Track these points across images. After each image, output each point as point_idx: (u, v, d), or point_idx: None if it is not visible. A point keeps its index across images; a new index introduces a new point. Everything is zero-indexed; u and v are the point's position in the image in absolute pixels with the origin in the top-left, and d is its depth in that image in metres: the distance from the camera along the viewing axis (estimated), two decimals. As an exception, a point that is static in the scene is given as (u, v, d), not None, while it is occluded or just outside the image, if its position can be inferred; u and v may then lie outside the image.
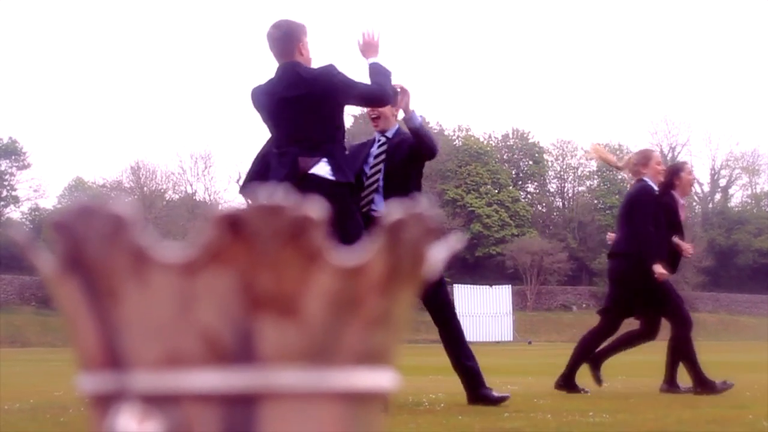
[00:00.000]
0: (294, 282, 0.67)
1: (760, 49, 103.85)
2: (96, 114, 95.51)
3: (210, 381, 0.67)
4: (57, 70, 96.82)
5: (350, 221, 5.49)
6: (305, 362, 0.68)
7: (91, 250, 0.68)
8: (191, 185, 66.91)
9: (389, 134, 6.40)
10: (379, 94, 5.85)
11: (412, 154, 6.27)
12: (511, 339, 46.90)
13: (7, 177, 62.81)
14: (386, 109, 6.30)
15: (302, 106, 5.60)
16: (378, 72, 5.91)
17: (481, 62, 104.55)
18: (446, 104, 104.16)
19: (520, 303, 56.41)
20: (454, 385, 6.14)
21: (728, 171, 76.74)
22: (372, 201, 6.21)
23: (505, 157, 74.23)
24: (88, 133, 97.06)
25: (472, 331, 46.72)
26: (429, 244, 0.73)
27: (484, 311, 47.42)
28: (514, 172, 73.61)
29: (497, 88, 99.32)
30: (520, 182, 73.93)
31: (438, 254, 0.75)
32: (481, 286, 49.78)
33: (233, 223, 0.66)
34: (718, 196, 76.64)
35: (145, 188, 62.84)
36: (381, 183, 6.22)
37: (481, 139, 71.66)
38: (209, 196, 66.29)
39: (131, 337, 0.68)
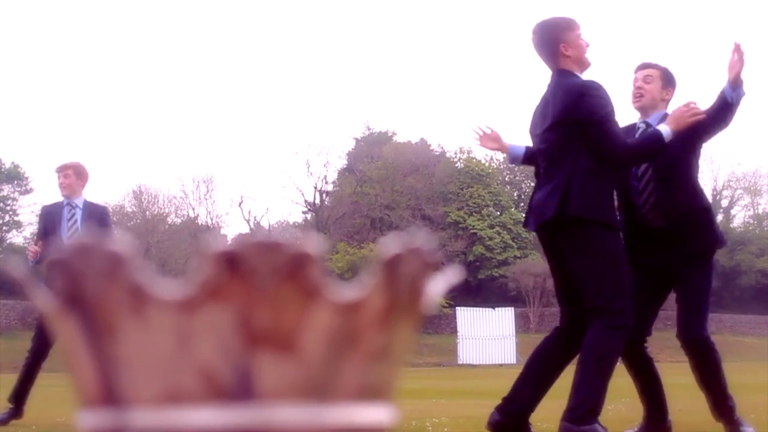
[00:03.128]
0: (292, 318, 0.67)
1: (762, 69, 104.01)
2: (98, 138, 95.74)
3: (209, 418, 0.67)
4: (59, 95, 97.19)
5: (580, 260, 4.92)
6: (304, 398, 0.68)
7: (89, 287, 0.68)
8: (193, 209, 67.04)
9: (652, 119, 5.53)
10: (624, 155, 4.89)
11: (685, 142, 5.32)
12: (515, 362, 46.77)
13: (9, 202, 62.94)
14: (652, 87, 5.51)
15: (548, 126, 4.99)
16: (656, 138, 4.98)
17: (483, 85, 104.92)
18: (448, 127, 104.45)
19: (523, 325, 56.25)
20: (457, 408, 6.13)
21: (730, 191, 76.78)
22: (652, 207, 5.42)
23: (506, 179, 74.32)
24: (89, 158, 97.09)
25: (475, 354, 46.69)
26: (427, 278, 0.73)
27: (487, 334, 47.37)
28: (516, 194, 73.66)
29: (498, 111, 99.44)
30: (522, 204, 73.86)
31: (437, 288, 0.75)
32: (484, 309, 49.73)
33: (231, 260, 0.66)
34: (720, 217, 76.59)
35: (147, 212, 62.92)
36: (653, 184, 5.40)
37: (483, 162, 71.72)
38: (211, 220, 66.37)
39: (130, 374, 0.68)
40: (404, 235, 0.73)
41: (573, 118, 4.89)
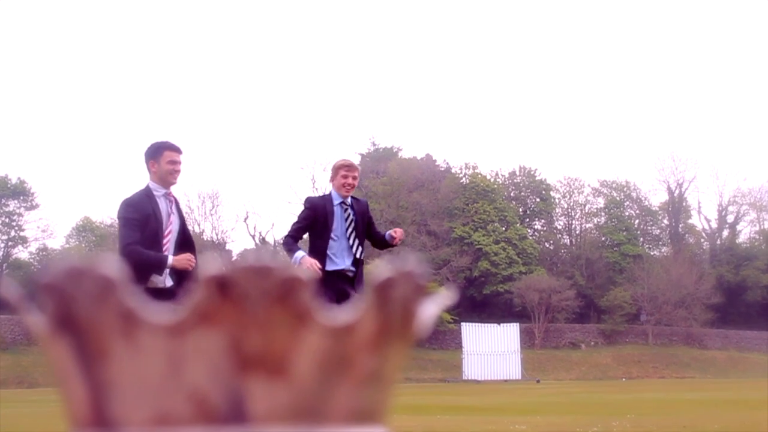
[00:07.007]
0: (283, 342, 0.67)
1: None
2: (103, 154, 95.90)
3: (199, 442, 0.66)
4: (64, 110, 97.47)
5: None
6: (295, 422, 0.68)
7: (81, 310, 0.68)
8: (199, 224, 67.04)
9: None
10: None
11: None
12: (519, 377, 46.69)
13: (15, 217, 63.05)
14: None
15: None
16: None
17: (489, 100, 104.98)
18: (453, 142, 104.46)
19: (528, 341, 56.16)
20: (462, 424, 6.11)
21: (736, 207, 76.71)
22: None
23: (512, 194, 74.32)
24: (95, 173, 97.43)
25: (480, 369, 46.60)
26: (419, 301, 0.73)
27: (492, 349, 47.30)
28: (521, 210, 73.65)
29: (504, 126, 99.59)
30: (527, 219, 73.95)
31: (429, 311, 0.74)
32: (489, 325, 49.70)
33: (222, 284, 0.66)
34: (725, 233, 76.48)
35: (153, 228, 62.84)
36: None
37: (489, 177, 71.79)
38: (217, 235, 66.40)
39: (120, 398, 0.68)
40: (396, 258, 0.73)
41: None
